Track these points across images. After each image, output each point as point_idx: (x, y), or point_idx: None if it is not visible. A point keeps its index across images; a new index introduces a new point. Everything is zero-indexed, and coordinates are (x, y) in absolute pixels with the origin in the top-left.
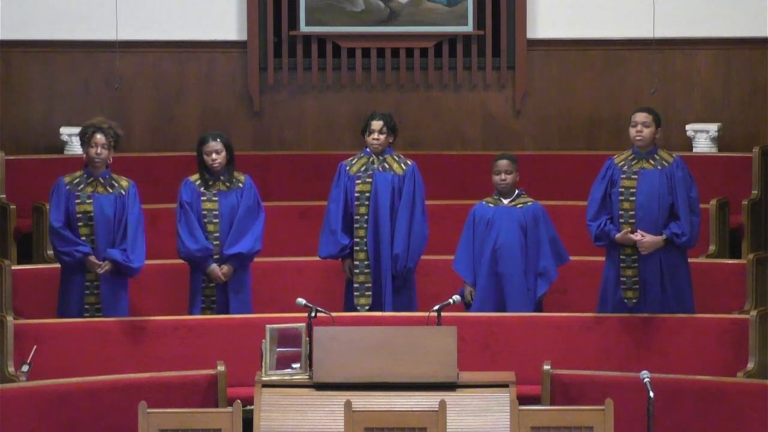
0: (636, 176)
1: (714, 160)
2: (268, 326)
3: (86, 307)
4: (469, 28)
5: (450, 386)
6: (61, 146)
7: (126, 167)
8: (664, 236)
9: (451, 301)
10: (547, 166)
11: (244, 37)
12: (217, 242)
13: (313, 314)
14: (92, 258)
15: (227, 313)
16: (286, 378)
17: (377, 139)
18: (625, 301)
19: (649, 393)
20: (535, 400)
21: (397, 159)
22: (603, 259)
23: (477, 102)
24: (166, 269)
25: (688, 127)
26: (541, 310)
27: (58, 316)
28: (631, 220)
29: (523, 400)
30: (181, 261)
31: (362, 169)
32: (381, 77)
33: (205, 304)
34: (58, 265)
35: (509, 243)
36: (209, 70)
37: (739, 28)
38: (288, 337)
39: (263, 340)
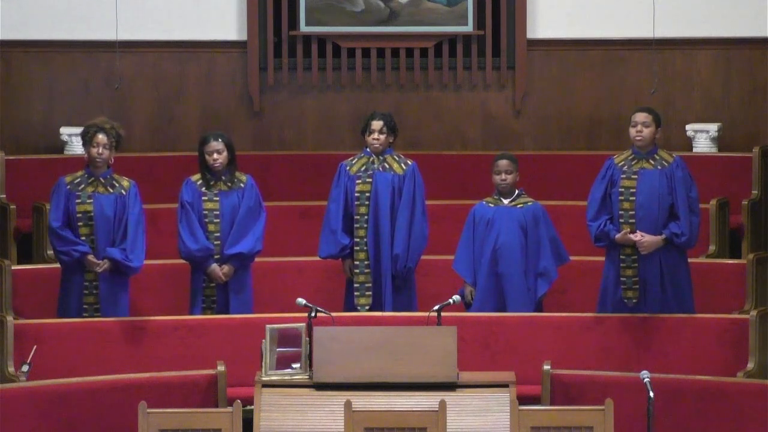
0: (636, 176)
1: (714, 160)
2: (268, 326)
3: (85, 306)
4: (469, 28)
5: (450, 386)
6: (61, 146)
7: (126, 167)
8: (663, 236)
9: (451, 301)
10: (547, 166)
11: (244, 37)
12: (218, 242)
13: (313, 314)
14: (91, 257)
15: (227, 313)
16: (286, 378)
17: (377, 139)
18: (625, 301)
19: (649, 393)
20: (535, 400)
21: (397, 159)
22: (603, 259)
23: (477, 102)
24: (167, 269)
25: (688, 127)
26: (541, 310)
27: (58, 316)
28: (631, 220)
29: (523, 400)
30: (181, 261)
31: (362, 169)
32: (381, 77)
33: (205, 304)
34: (58, 265)
35: (509, 243)
36: (209, 70)
37: (739, 28)
38: (288, 337)
39: (263, 340)
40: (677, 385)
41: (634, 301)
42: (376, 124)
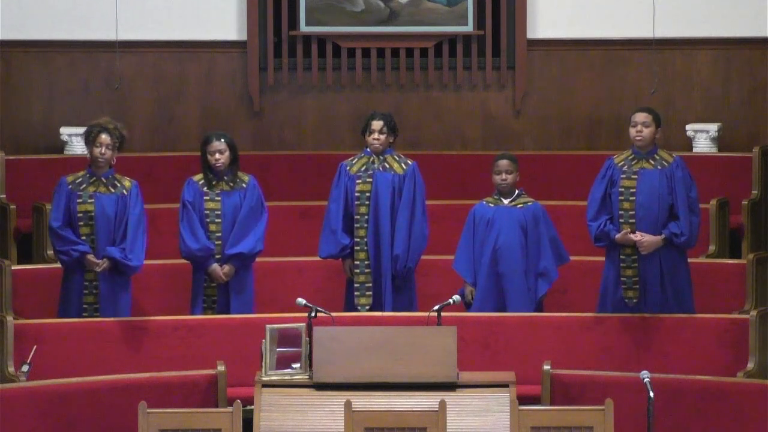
0: (636, 176)
1: (714, 160)
2: (268, 326)
3: (85, 306)
4: (469, 28)
5: (450, 386)
6: (61, 146)
7: (126, 167)
8: (663, 236)
9: (451, 301)
10: (547, 166)
11: (244, 37)
12: (219, 242)
13: (313, 314)
14: (90, 257)
15: (228, 313)
16: (286, 378)
17: (377, 139)
18: (626, 301)
19: (649, 393)
20: (535, 400)
21: (397, 159)
22: (603, 259)
23: (477, 102)
24: (167, 269)
25: (688, 127)
26: (541, 310)
27: (59, 316)
28: (631, 220)
29: (523, 400)
30: (182, 261)
31: (362, 168)
32: (381, 77)
33: (206, 304)
34: (58, 265)
35: (509, 243)
36: (209, 70)
37: (739, 28)
38: (288, 337)
39: (263, 340)
40: (677, 385)
41: (634, 301)
42: (377, 124)
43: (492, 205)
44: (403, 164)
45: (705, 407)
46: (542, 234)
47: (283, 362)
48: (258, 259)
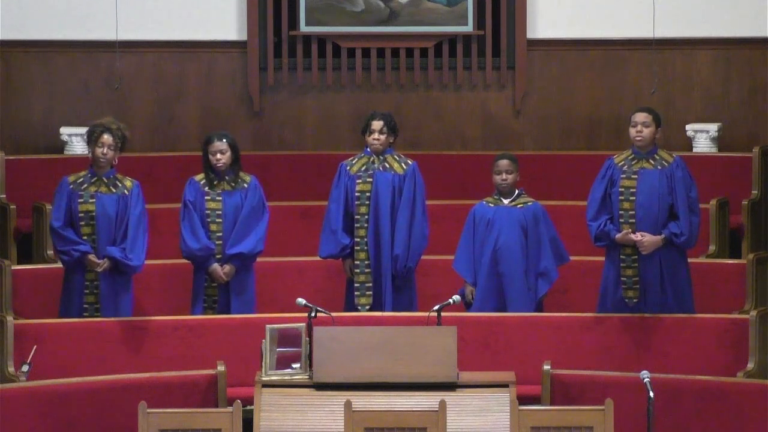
0: (636, 176)
1: (714, 160)
2: (268, 326)
3: (85, 306)
4: (469, 28)
5: (450, 386)
6: (61, 146)
7: (126, 167)
8: (663, 236)
9: (451, 301)
10: (547, 166)
11: (244, 37)
12: (220, 242)
13: (313, 314)
14: (91, 257)
15: (229, 314)
16: (286, 378)
17: (378, 139)
18: (626, 300)
19: (649, 393)
20: (535, 400)
21: (397, 159)
22: (603, 259)
23: (477, 102)
24: (167, 269)
25: (688, 127)
26: (541, 310)
27: (60, 315)
28: (631, 220)
29: (523, 400)
30: (183, 261)
31: (363, 168)
32: (381, 77)
33: (206, 304)
34: (58, 265)
35: (510, 243)
36: (209, 70)
37: (739, 28)
38: (288, 337)
39: (263, 340)
40: (677, 385)
41: (634, 300)
42: (377, 124)
43: (492, 205)
44: (403, 164)
45: (705, 407)
46: (542, 234)
47: (283, 362)
48: (258, 259)
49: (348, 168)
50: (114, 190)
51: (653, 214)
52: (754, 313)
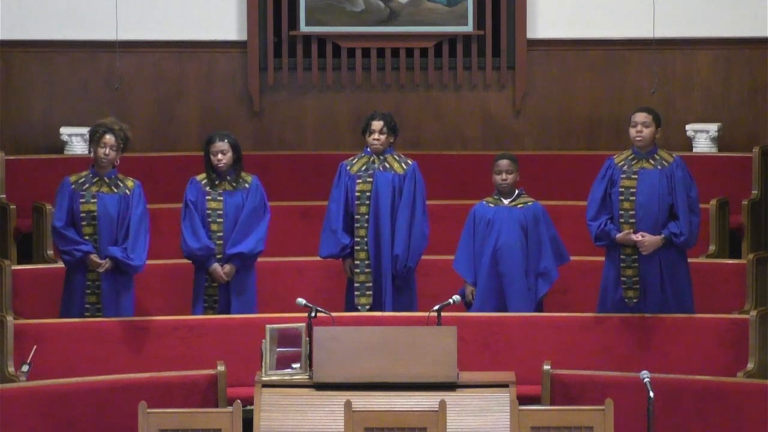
0: (636, 176)
1: (714, 160)
2: (268, 326)
3: (87, 306)
4: (469, 28)
5: (450, 386)
6: (61, 146)
7: (126, 167)
8: (663, 236)
9: (451, 301)
10: (547, 166)
11: (244, 37)
12: (220, 242)
13: (313, 314)
14: (93, 257)
15: (229, 314)
16: (286, 378)
17: (378, 140)
18: (626, 300)
19: (649, 393)
20: (535, 400)
21: (397, 159)
22: (603, 258)
23: (477, 102)
24: (168, 269)
25: (688, 127)
26: (542, 310)
27: (61, 315)
28: (631, 220)
29: (523, 400)
30: (183, 261)
31: (363, 168)
32: (381, 77)
33: (207, 304)
34: (58, 265)
35: (510, 243)
36: (209, 70)
37: (739, 28)
38: (288, 337)
39: (263, 340)
40: (677, 385)
41: (634, 300)
42: (377, 125)
43: (492, 205)
44: (403, 164)
45: (705, 407)
46: (542, 234)
47: (283, 362)
48: (258, 259)
49: (348, 168)
50: (116, 190)
51: (653, 214)
52: (754, 313)
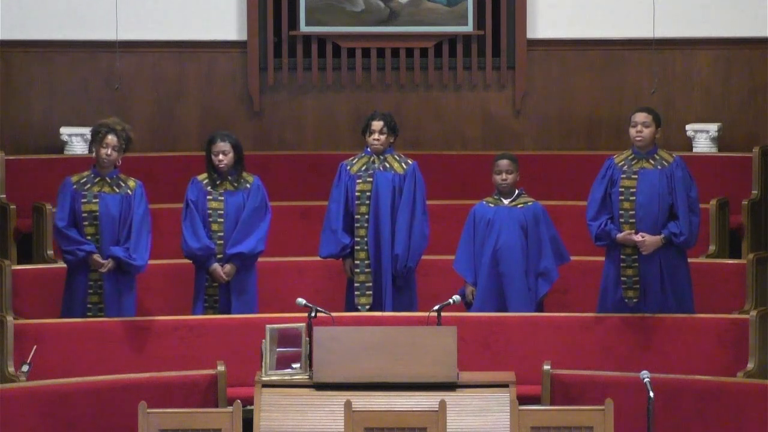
0: (636, 176)
1: (714, 160)
2: (268, 326)
3: (89, 306)
4: (469, 28)
5: (450, 386)
6: (61, 146)
7: (126, 167)
8: (662, 236)
9: (451, 301)
10: (547, 166)
11: (244, 37)
12: (221, 242)
13: (313, 314)
14: (96, 256)
15: (229, 313)
16: (286, 378)
17: (378, 140)
18: (626, 300)
19: (649, 393)
20: (535, 400)
21: (398, 158)
22: (603, 259)
23: (477, 102)
24: (168, 269)
25: (688, 127)
26: (542, 310)
27: (63, 315)
28: (631, 220)
29: (523, 400)
30: (183, 261)
31: (363, 168)
32: (381, 77)
33: (207, 304)
34: (58, 265)
35: (510, 243)
36: (209, 70)
37: (739, 28)
38: (288, 337)
39: (263, 340)
40: (677, 385)
41: (634, 300)
42: (377, 125)
43: (492, 205)
44: (403, 164)
45: (705, 407)
46: (542, 234)
47: (283, 362)
48: (258, 260)
49: (348, 168)
50: (117, 190)
51: (653, 214)
52: (754, 313)
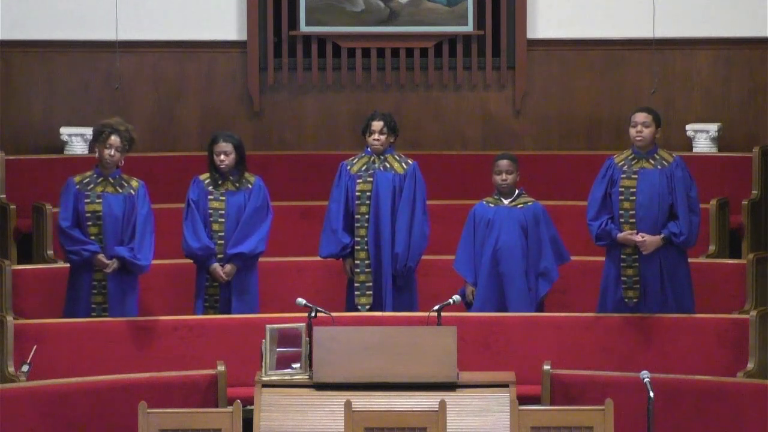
0: (636, 176)
1: (714, 160)
2: (268, 326)
3: (93, 306)
4: (469, 28)
5: (450, 386)
6: (61, 146)
7: (126, 167)
8: (662, 236)
9: (451, 301)
10: (547, 166)
11: (244, 37)
12: (222, 241)
13: (313, 314)
14: (101, 257)
15: (230, 314)
16: (286, 378)
17: (378, 140)
18: (626, 300)
19: (649, 393)
20: (535, 400)
21: (398, 158)
22: (603, 258)
23: (477, 102)
24: (168, 269)
25: (688, 127)
26: (542, 310)
27: (65, 315)
28: (631, 220)
29: (523, 400)
30: (183, 260)
31: (363, 168)
32: (381, 77)
33: (208, 303)
34: (58, 265)
35: (510, 243)
36: (209, 70)
37: (739, 28)
38: (288, 337)
39: (263, 340)
40: (677, 385)
41: (634, 300)
42: (377, 125)
43: (492, 205)
44: (403, 164)
45: (705, 407)
46: (542, 234)
47: (283, 362)
48: (259, 259)
49: (348, 167)
50: (120, 190)
51: (653, 214)
52: (754, 313)
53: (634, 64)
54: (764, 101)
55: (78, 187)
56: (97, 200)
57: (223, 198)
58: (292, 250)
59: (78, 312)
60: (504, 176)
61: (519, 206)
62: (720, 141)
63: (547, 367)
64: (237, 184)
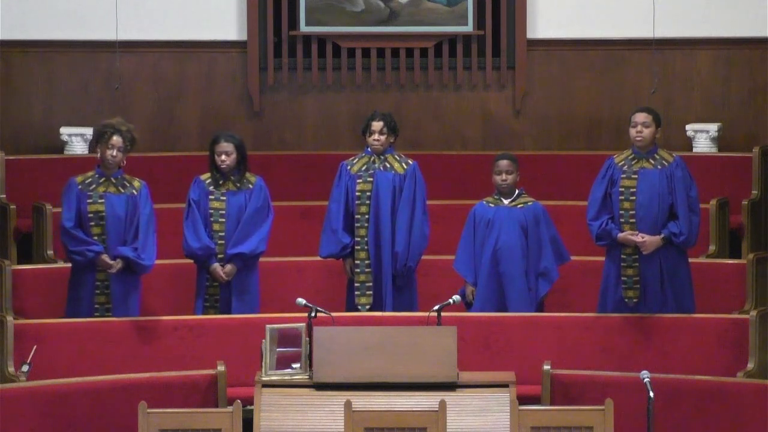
0: (636, 176)
1: (714, 160)
2: (268, 326)
3: (96, 306)
4: (469, 28)
5: (450, 386)
6: (61, 146)
7: (126, 167)
8: (662, 236)
9: (451, 301)
10: (547, 166)
11: (244, 37)
12: (222, 241)
13: (313, 314)
14: (104, 257)
15: (230, 313)
16: (286, 378)
17: (378, 140)
18: (626, 300)
19: (649, 393)
20: (535, 400)
21: (398, 158)
22: (603, 258)
23: (477, 102)
24: (169, 269)
25: (688, 127)
26: (542, 310)
27: (68, 315)
28: (631, 220)
29: (523, 400)
30: (184, 260)
31: (363, 168)
32: (381, 77)
33: (208, 303)
34: (58, 265)
35: (510, 243)
36: (209, 70)
37: (739, 28)
38: (288, 337)
39: (263, 340)
40: (677, 385)
41: (634, 300)
42: (377, 125)
43: (492, 205)
44: (403, 164)
45: (705, 407)
46: (543, 234)
47: (283, 362)
48: (259, 259)
49: (349, 167)
50: (122, 191)
51: (653, 214)
52: (754, 313)
53: (634, 64)
54: (764, 101)
55: (80, 187)
56: (100, 200)
57: (224, 198)
58: (292, 250)
59: (81, 312)
60: (504, 176)
61: (519, 206)
62: (720, 141)
63: (547, 367)
64: (238, 184)
